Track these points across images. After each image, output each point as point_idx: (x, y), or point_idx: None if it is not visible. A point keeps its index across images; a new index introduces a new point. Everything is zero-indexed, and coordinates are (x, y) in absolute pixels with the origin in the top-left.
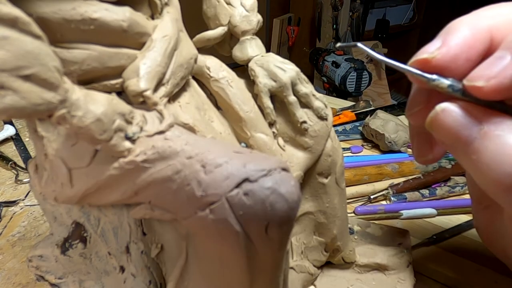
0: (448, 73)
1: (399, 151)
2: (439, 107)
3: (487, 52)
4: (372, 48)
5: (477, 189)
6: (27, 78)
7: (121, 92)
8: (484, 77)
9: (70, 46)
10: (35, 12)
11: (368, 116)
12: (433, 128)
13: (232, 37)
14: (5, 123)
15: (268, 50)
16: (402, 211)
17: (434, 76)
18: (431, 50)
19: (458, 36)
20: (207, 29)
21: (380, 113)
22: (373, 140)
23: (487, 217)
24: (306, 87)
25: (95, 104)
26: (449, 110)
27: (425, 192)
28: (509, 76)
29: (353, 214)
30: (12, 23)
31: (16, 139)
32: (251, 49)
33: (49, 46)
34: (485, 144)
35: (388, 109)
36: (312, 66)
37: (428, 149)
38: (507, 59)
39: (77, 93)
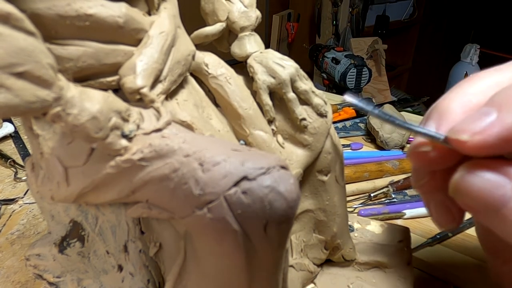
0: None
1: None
2: (462, 169)
3: None
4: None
5: (493, 244)
6: (20, 75)
7: (117, 90)
8: (468, 132)
9: (65, 42)
10: (28, 8)
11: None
12: (459, 193)
13: (230, 33)
14: (4, 120)
15: (267, 46)
16: (405, 211)
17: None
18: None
19: (454, 119)
20: (205, 25)
21: (387, 108)
22: (372, 133)
23: (510, 270)
24: (306, 84)
25: (90, 101)
26: (477, 171)
27: None
28: (494, 134)
29: (355, 215)
30: (4, 19)
31: (15, 136)
32: (250, 45)
33: (43, 43)
34: None
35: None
36: (311, 62)
37: (449, 217)
38: (492, 116)
39: (72, 90)
